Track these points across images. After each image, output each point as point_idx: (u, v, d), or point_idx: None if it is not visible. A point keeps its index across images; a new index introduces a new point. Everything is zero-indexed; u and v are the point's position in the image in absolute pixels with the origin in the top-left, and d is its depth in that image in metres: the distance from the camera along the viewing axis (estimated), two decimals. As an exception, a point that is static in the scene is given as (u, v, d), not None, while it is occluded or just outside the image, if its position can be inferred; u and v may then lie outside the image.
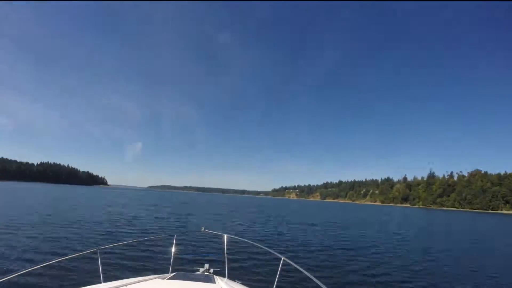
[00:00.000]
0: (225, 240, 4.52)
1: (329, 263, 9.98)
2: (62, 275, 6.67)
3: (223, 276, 3.43)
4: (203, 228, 4.44)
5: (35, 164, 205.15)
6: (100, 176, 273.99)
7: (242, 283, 3.24)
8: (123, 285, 2.35)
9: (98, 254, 2.90)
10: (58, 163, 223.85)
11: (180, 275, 2.86)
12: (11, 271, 2.25)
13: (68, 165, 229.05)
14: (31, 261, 8.07)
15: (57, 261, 2.64)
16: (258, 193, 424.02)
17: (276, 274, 3.24)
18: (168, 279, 2.70)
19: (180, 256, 9.44)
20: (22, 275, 2.27)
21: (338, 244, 13.99)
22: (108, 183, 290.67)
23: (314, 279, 2.62)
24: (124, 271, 7.31)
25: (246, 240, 4.80)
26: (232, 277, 3.55)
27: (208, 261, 4.78)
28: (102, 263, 2.85)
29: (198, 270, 3.56)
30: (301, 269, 2.92)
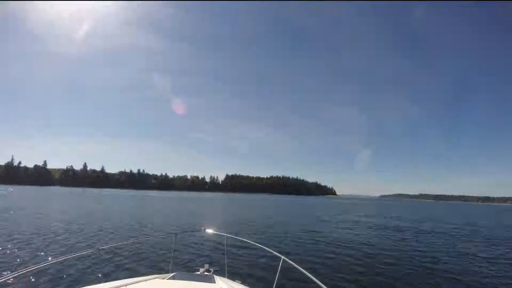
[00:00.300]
0: (225, 240, 4.52)
1: None
2: (62, 275, 6.68)
3: (223, 275, 3.44)
4: (203, 228, 4.45)
5: (265, 177, 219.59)
6: (328, 186, 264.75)
7: (242, 283, 3.25)
8: (123, 285, 2.36)
9: (99, 254, 2.91)
10: (287, 176, 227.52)
11: (180, 275, 2.87)
12: (11, 271, 2.26)
13: (297, 177, 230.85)
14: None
15: (57, 261, 2.64)
16: (505, 199, 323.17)
17: (276, 273, 3.24)
18: (168, 279, 2.71)
19: (180, 256, 9.45)
20: (22, 275, 2.27)
21: None
22: (337, 193, 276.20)
23: (314, 279, 2.62)
24: (124, 271, 7.32)
25: (246, 240, 4.80)
26: (232, 277, 3.56)
27: (208, 261, 4.80)
28: (102, 263, 2.86)
29: (198, 270, 3.56)
30: (301, 268, 2.93)
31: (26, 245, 10.21)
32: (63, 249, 9.69)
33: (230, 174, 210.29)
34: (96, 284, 2.42)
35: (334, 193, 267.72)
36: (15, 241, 10.72)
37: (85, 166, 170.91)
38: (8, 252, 9.08)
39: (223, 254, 8.02)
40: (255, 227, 18.55)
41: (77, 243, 10.88)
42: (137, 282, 2.51)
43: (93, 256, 7.35)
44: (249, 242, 4.52)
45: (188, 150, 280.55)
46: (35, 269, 2.43)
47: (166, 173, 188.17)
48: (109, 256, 8.57)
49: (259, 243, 4.30)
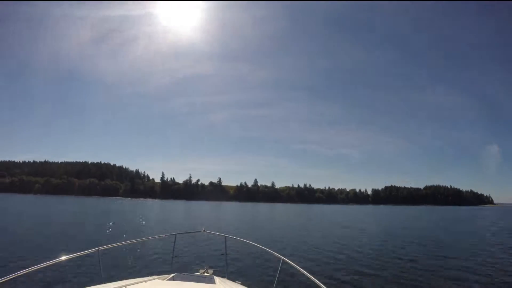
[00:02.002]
0: (225, 241, 4.51)
1: None
2: (63, 275, 6.68)
3: (223, 276, 3.44)
4: (203, 229, 4.44)
5: (421, 188, 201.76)
6: (485, 195, 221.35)
7: (242, 284, 3.24)
8: (123, 286, 2.35)
9: (99, 254, 2.91)
10: (443, 185, 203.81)
11: (180, 275, 2.86)
12: (11, 271, 2.26)
13: (450, 186, 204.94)
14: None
15: (58, 261, 2.64)
16: None
17: (276, 274, 3.24)
18: (168, 279, 2.71)
19: (180, 256, 9.45)
20: (22, 275, 2.27)
21: None
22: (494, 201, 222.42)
23: (314, 279, 2.62)
24: (125, 272, 7.32)
25: (246, 241, 4.79)
26: (232, 278, 3.55)
27: (208, 262, 4.78)
28: (102, 263, 2.86)
29: (198, 271, 3.56)
30: (300, 269, 2.92)
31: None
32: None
33: (383, 187, 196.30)
34: (96, 284, 2.42)
35: (491, 201, 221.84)
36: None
37: (256, 182, 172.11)
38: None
39: (223, 254, 8.01)
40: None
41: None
42: (137, 283, 2.50)
43: (93, 257, 7.34)
44: (249, 243, 4.50)
45: (291, 161, 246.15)
46: (35, 269, 2.43)
47: (329, 187, 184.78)
48: (109, 256, 8.57)
49: (259, 244, 4.28)
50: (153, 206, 61.55)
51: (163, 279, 2.72)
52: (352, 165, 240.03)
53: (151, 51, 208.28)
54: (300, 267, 2.98)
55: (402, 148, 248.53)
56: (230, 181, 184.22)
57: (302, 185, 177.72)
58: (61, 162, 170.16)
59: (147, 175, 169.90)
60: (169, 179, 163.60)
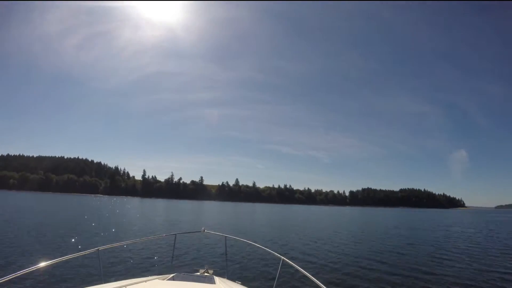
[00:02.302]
0: (225, 241, 4.52)
1: None
2: (63, 275, 6.68)
3: (223, 276, 3.44)
4: (203, 229, 4.44)
5: (397, 190, 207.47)
6: (457, 198, 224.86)
7: (242, 284, 3.24)
8: (123, 286, 2.35)
9: (99, 254, 2.91)
10: (417, 188, 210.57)
11: (180, 275, 2.86)
12: (11, 271, 2.26)
13: (424, 189, 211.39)
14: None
15: (58, 261, 2.64)
16: None
17: (276, 274, 3.24)
18: (168, 279, 2.71)
19: (180, 256, 9.45)
20: (22, 275, 2.27)
21: None
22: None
23: (314, 279, 2.62)
24: (125, 272, 7.32)
25: (245, 241, 4.80)
26: (232, 278, 3.55)
27: (208, 262, 4.79)
28: (102, 263, 2.85)
29: (198, 271, 3.56)
30: (300, 269, 2.93)
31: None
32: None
33: (360, 189, 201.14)
34: (96, 284, 2.42)
35: (463, 204, 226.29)
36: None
37: (237, 182, 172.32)
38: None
39: (223, 254, 8.02)
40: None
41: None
42: (137, 283, 2.50)
43: (93, 257, 7.34)
44: (249, 243, 4.51)
45: (263, 162, 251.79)
46: (35, 269, 2.43)
47: (308, 188, 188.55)
48: (109, 256, 8.57)
49: (259, 244, 4.29)
50: (135, 204, 60.30)
51: (163, 279, 2.72)
52: (323, 167, 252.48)
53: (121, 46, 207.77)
54: (300, 267, 2.98)
55: (371, 152, 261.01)
56: (211, 181, 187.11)
57: (282, 186, 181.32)
58: (37, 157, 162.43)
59: (127, 172, 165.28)
60: (150, 177, 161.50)
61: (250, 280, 7.10)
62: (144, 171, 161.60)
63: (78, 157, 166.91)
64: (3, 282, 2.10)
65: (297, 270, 2.98)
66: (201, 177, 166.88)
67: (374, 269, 9.05)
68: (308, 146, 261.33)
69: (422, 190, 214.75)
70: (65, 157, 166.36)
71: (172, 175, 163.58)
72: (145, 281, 2.56)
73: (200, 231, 4.38)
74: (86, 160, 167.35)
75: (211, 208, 62.82)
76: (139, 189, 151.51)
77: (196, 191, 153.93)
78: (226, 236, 4.47)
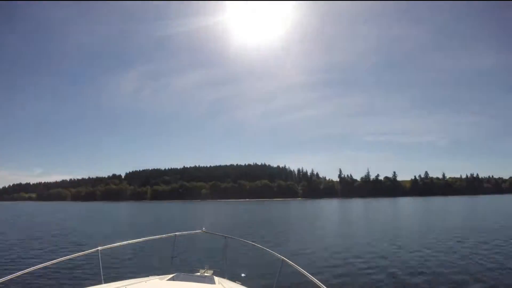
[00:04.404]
0: (225, 241, 4.51)
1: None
2: (63, 275, 6.68)
3: (223, 277, 3.43)
4: (203, 229, 4.44)
5: None
6: None
7: (242, 284, 3.24)
8: (123, 286, 2.35)
9: (99, 254, 2.90)
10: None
11: (180, 276, 2.86)
12: (11, 271, 2.26)
13: None
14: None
15: (58, 261, 2.64)
16: None
17: (276, 274, 3.23)
18: (168, 280, 2.70)
19: (180, 256, 9.44)
20: (22, 275, 2.27)
21: None
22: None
23: (314, 280, 2.62)
24: (125, 272, 7.32)
25: (246, 241, 4.79)
26: (232, 278, 3.55)
27: (208, 262, 4.77)
28: (102, 263, 2.85)
29: (198, 271, 3.55)
30: (301, 269, 2.92)
31: None
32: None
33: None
34: (96, 284, 2.42)
35: None
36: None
37: (426, 174, 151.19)
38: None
39: (223, 255, 8.01)
40: None
41: None
42: (136, 283, 2.50)
43: (93, 257, 7.35)
44: (249, 243, 4.51)
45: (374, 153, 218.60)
46: (35, 269, 2.43)
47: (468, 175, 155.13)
48: (109, 256, 8.57)
49: (259, 244, 4.28)
50: (360, 207, 55.58)
51: (163, 279, 2.71)
52: (438, 151, 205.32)
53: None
54: (301, 267, 2.97)
55: (491, 128, 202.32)
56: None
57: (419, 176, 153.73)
58: (223, 166, 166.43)
59: (316, 173, 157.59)
60: (346, 176, 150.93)
61: (250, 280, 7.09)
62: (340, 171, 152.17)
63: (255, 163, 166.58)
64: (3, 282, 2.10)
65: (298, 271, 2.97)
66: (394, 172, 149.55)
67: None
68: (418, 131, 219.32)
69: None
70: (252, 164, 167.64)
71: (368, 173, 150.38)
72: (145, 281, 2.56)
73: (200, 231, 4.37)
74: (264, 165, 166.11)
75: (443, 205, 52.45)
76: (337, 190, 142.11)
77: (391, 187, 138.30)
78: (226, 236, 4.46)
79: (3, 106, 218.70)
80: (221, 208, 58.28)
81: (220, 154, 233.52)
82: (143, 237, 4.21)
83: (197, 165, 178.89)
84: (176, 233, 4.36)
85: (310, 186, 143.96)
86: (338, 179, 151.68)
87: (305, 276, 2.77)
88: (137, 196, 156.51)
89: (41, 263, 2.55)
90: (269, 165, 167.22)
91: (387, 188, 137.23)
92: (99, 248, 2.95)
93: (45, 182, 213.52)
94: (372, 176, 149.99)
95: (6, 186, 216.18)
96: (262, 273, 8.00)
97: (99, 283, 2.50)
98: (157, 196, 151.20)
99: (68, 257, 2.82)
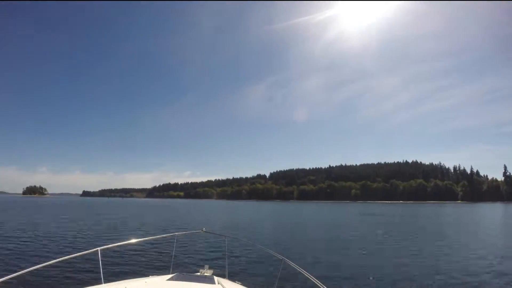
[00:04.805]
0: (226, 241, 4.51)
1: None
2: (63, 275, 6.68)
3: (224, 277, 3.43)
4: (203, 229, 4.44)
5: None
6: None
7: (242, 284, 3.24)
8: (123, 286, 2.35)
9: (99, 254, 2.90)
10: None
11: (180, 275, 2.85)
12: (11, 271, 2.26)
13: None
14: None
15: (58, 261, 2.63)
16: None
17: (277, 275, 3.23)
18: (168, 279, 2.70)
19: (181, 256, 9.44)
20: (22, 275, 2.26)
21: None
22: None
23: (315, 280, 2.61)
24: (125, 272, 7.32)
25: (246, 241, 4.80)
26: (232, 278, 3.54)
27: (208, 262, 4.78)
28: (102, 263, 2.85)
29: (198, 271, 3.55)
30: (301, 270, 2.92)
31: None
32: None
33: None
34: (96, 284, 2.41)
35: None
36: None
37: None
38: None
39: (223, 255, 8.01)
40: None
41: None
42: (137, 283, 2.50)
43: (93, 257, 7.34)
44: (249, 243, 4.51)
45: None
46: (35, 269, 2.42)
47: None
48: (110, 256, 8.57)
49: (259, 244, 4.28)
50: None
51: (163, 279, 2.71)
52: None
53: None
54: (301, 267, 2.97)
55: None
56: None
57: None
58: (377, 164, 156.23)
59: (476, 171, 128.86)
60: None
61: (250, 280, 7.09)
62: (505, 168, 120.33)
63: (405, 160, 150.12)
64: (3, 282, 2.10)
65: (299, 271, 2.97)
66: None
67: None
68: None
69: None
70: (401, 162, 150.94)
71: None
72: (145, 281, 2.56)
73: (200, 231, 4.37)
74: (416, 162, 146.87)
75: None
76: (503, 192, 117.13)
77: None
78: (226, 236, 4.46)
79: (158, 121, 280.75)
80: (374, 209, 52.05)
81: (357, 153, 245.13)
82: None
83: (343, 164, 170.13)
84: (176, 233, 4.36)
85: (471, 187, 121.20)
86: (503, 178, 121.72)
87: (305, 276, 2.77)
88: (283, 196, 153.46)
89: (40, 262, 2.54)
90: (421, 163, 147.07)
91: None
92: (99, 248, 2.95)
93: (192, 182, 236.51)
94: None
95: (157, 186, 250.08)
96: (262, 273, 8.00)
97: (99, 283, 2.49)
98: (303, 196, 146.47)
99: (68, 257, 2.81)
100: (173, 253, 4.41)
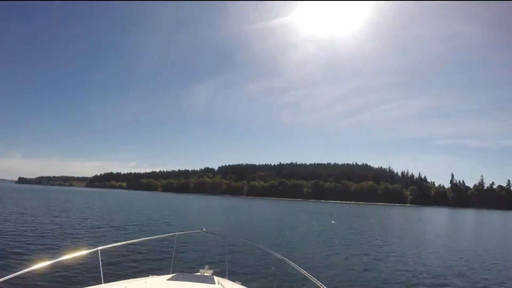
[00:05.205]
0: (226, 241, 4.51)
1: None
2: (63, 275, 6.67)
3: (224, 277, 3.43)
4: (203, 229, 4.44)
5: None
6: None
7: (242, 284, 3.24)
8: (123, 286, 2.35)
9: (99, 254, 2.90)
10: None
11: (180, 275, 2.85)
12: (11, 271, 2.25)
13: None
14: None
15: (58, 261, 2.63)
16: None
17: (277, 275, 3.23)
18: (168, 279, 2.70)
19: (181, 256, 9.44)
20: (22, 275, 2.26)
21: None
22: None
23: (314, 280, 2.61)
24: (125, 272, 7.32)
25: (246, 241, 4.80)
26: (232, 278, 3.54)
27: (208, 262, 4.78)
28: (102, 263, 2.85)
29: (198, 271, 3.55)
30: (301, 270, 2.92)
31: None
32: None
33: None
34: (96, 284, 2.41)
35: None
36: None
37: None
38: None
39: (223, 255, 8.02)
40: None
41: None
42: (136, 283, 2.50)
43: (93, 257, 7.34)
44: (249, 243, 4.51)
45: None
46: (35, 269, 2.42)
47: None
48: (110, 256, 8.56)
49: (260, 245, 4.28)
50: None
51: (163, 279, 2.71)
52: None
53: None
54: (301, 267, 2.97)
55: None
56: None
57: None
58: (323, 164, 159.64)
59: (424, 177, 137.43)
60: (459, 182, 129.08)
61: (250, 280, 7.09)
62: (452, 176, 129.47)
63: (355, 162, 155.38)
64: (3, 282, 2.10)
65: (299, 271, 2.97)
66: (509, 181, 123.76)
67: None
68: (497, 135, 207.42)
69: None
70: (350, 164, 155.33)
71: (482, 180, 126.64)
72: (145, 281, 2.56)
73: (200, 231, 4.37)
74: (365, 165, 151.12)
75: None
76: (449, 198, 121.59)
77: (506, 198, 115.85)
78: (226, 236, 4.46)
79: (107, 110, 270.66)
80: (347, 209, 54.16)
81: (306, 152, 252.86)
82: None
83: (294, 162, 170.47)
84: (176, 233, 4.36)
85: (420, 192, 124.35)
86: (449, 186, 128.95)
87: (305, 276, 2.77)
88: (233, 191, 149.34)
89: (41, 262, 2.54)
90: (370, 166, 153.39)
91: (502, 198, 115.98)
92: (99, 248, 2.95)
93: (135, 172, 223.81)
94: (487, 184, 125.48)
95: (98, 175, 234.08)
96: (262, 273, 8.00)
97: (99, 283, 2.49)
98: (253, 192, 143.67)
99: (68, 257, 2.81)
100: (173, 253, 4.41)
